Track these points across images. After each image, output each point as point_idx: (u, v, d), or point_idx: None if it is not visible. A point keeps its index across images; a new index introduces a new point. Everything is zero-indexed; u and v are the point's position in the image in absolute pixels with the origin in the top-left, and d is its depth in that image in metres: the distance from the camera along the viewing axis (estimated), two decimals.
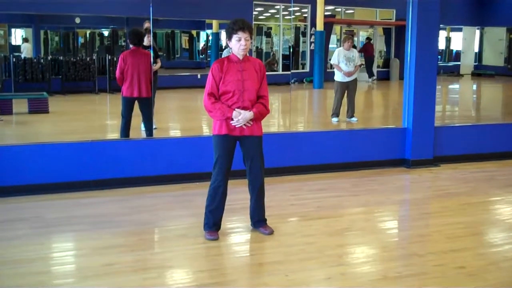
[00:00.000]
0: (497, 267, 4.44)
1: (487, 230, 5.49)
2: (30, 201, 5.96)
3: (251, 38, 4.80)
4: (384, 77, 21.42)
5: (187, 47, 19.30)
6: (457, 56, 24.98)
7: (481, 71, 23.75)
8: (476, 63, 24.63)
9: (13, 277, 4.11)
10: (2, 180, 6.14)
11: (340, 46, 14.24)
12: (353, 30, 21.97)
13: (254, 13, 18.62)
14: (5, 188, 6.11)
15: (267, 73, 5.06)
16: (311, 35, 19.74)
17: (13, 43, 15.39)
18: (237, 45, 4.75)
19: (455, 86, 22.05)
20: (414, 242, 4.98)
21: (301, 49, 21.01)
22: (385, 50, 22.79)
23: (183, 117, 11.97)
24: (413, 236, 5.18)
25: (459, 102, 17.36)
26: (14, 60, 13.19)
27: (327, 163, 7.46)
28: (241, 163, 4.98)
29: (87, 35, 16.92)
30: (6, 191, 6.10)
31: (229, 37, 4.78)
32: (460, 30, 24.65)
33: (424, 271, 4.31)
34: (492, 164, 8.03)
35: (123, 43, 16.08)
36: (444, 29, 24.40)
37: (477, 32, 24.56)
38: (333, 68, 10.84)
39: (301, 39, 21.04)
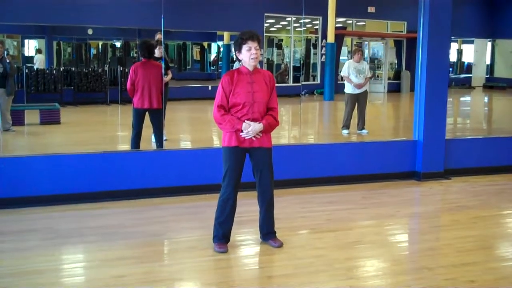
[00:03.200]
0: (508, 281, 4.41)
1: (498, 244, 5.45)
2: (41, 212, 5.99)
3: (260, 49, 4.82)
4: (395, 89, 21.38)
5: (198, 58, 19.37)
6: (469, 68, 24.91)
7: (492, 84, 23.67)
8: (488, 76, 24.55)
9: None
10: (14, 191, 6.18)
11: (350, 58, 14.25)
12: (361, 42, 21.95)
13: (265, 25, 18.67)
14: (16, 199, 6.15)
15: (277, 84, 5.08)
16: (322, 47, 19.77)
17: (26, 54, 15.52)
18: (247, 55, 4.76)
19: (467, 98, 21.98)
20: (424, 256, 4.95)
21: (312, 61, 21.02)
22: (396, 62, 22.77)
23: (193, 128, 12.01)
24: (423, 249, 5.15)
25: (470, 114, 17.29)
26: (26, 71, 13.29)
27: (337, 176, 7.44)
28: (251, 175, 4.98)
29: (99, 47, 17.03)
30: (17, 202, 6.13)
31: (238, 49, 4.80)
32: (471, 42, 24.60)
33: (434, 284, 4.29)
34: (503, 177, 7.98)
35: (135, 55, 16.17)
36: (455, 41, 24.36)
37: (489, 44, 24.50)
38: (344, 80, 10.84)
39: (312, 51, 21.06)
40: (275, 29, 21.73)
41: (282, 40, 21.56)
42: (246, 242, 5.24)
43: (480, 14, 21.78)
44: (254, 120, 4.78)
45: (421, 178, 7.69)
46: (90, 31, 15.39)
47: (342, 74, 10.92)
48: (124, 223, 5.71)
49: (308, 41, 21.18)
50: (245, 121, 4.75)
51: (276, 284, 4.33)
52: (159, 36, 8.63)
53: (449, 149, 7.92)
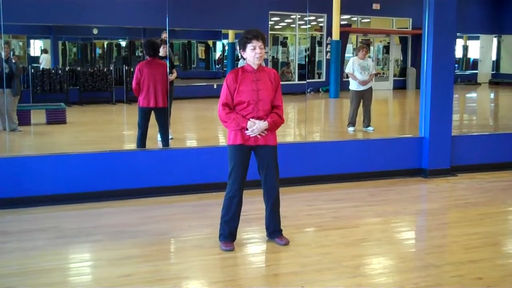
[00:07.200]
0: None
1: (505, 241, 5.44)
2: (48, 212, 6.01)
3: (265, 47, 4.82)
4: (401, 86, 21.34)
5: (203, 57, 19.39)
6: (475, 64, 24.83)
7: (498, 80, 23.58)
8: (494, 72, 24.46)
9: None
10: (21, 190, 6.20)
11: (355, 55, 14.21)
12: (369, 39, 21.92)
13: (270, 23, 18.66)
14: (23, 199, 6.16)
15: (282, 82, 5.07)
16: (327, 44, 19.74)
17: (32, 54, 15.56)
18: (251, 54, 4.76)
19: (473, 94, 21.91)
20: (431, 253, 4.94)
21: (317, 59, 21.00)
22: (401, 59, 22.71)
23: (199, 127, 12.02)
24: (430, 246, 5.14)
25: (476, 111, 17.23)
26: (32, 71, 13.32)
27: (344, 173, 7.43)
28: (256, 173, 4.98)
29: (105, 46, 17.06)
30: (24, 201, 6.15)
31: (243, 47, 4.80)
32: (477, 38, 24.51)
33: (441, 282, 4.27)
34: (510, 173, 7.95)
35: (140, 54, 16.19)
36: (461, 37, 24.27)
37: (495, 40, 24.40)
38: (349, 77, 10.82)
39: (317, 48, 21.03)
40: (280, 27, 21.70)
41: (287, 38, 21.54)
42: (253, 240, 5.24)
43: (485, 10, 21.68)
44: (259, 118, 4.77)
45: (428, 175, 7.67)
46: (95, 31, 15.42)
47: (346, 71, 10.91)
48: (131, 222, 5.72)
49: (313, 38, 21.16)
50: (250, 119, 4.75)
51: (283, 282, 4.33)
52: (164, 35, 8.65)
53: (456, 146, 7.89)
